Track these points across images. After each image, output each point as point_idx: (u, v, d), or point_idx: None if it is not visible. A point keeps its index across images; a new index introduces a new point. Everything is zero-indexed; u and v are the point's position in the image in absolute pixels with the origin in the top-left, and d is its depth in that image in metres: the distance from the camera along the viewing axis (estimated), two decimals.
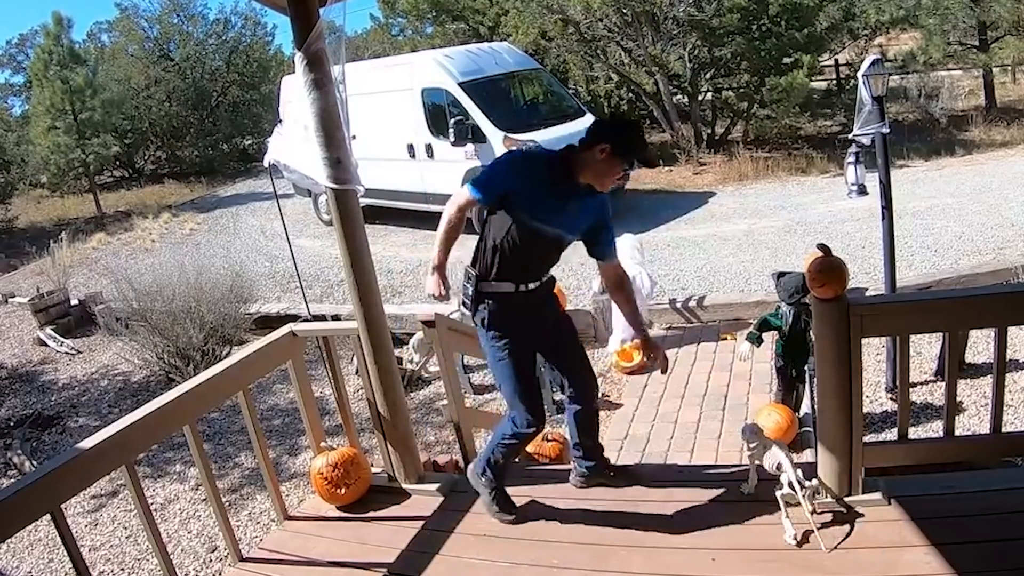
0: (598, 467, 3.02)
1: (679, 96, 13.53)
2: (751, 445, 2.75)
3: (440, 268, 2.71)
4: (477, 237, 2.77)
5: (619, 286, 2.87)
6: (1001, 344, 2.44)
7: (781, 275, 4.40)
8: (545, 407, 5.29)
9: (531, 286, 2.72)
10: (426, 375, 6.19)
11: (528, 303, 2.73)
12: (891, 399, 4.61)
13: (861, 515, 2.52)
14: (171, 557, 2.94)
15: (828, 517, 2.54)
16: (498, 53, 10.74)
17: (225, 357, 5.24)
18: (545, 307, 2.84)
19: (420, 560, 2.79)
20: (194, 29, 21.91)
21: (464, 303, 2.77)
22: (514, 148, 9.20)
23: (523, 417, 2.80)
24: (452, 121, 9.50)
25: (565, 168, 2.59)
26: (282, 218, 5.99)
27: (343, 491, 3.19)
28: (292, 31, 2.86)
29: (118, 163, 21.43)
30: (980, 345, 4.98)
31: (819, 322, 2.46)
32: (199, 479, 3.34)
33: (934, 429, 4.22)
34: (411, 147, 10.18)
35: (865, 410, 3.76)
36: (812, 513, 2.46)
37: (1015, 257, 6.15)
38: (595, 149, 2.52)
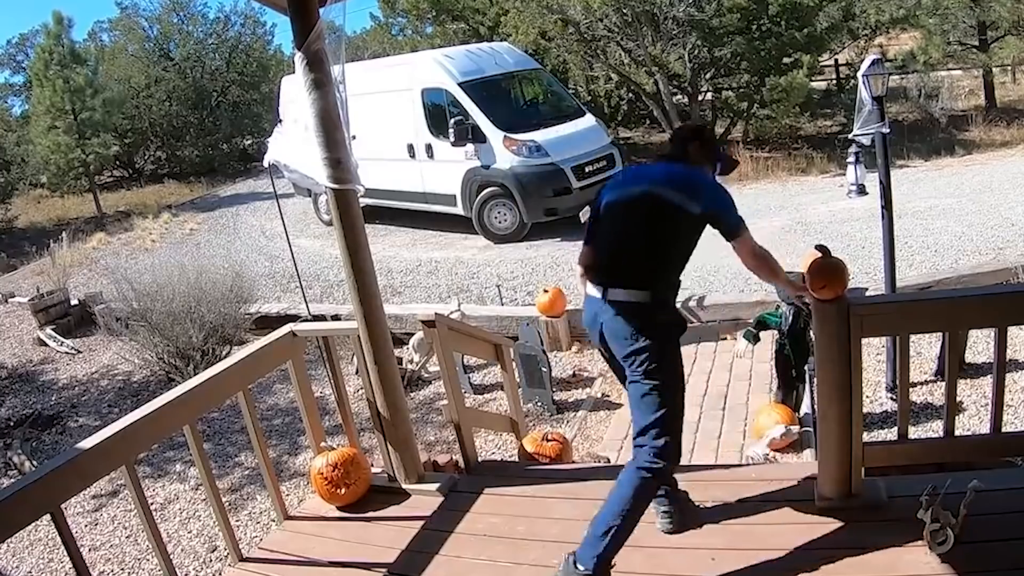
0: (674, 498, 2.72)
1: (679, 96, 13.52)
2: None
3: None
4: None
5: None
6: (1001, 344, 2.44)
7: None
8: (545, 407, 5.33)
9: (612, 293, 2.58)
10: (426, 375, 6.19)
11: None
12: (891, 399, 4.61)
13: (861, 515, 2.52)
14: (171, 557, 2.94)
15: (829, 518, 2.54)
16: (498, 53, 10.74)
17: (225, 357, 5.24)
18: None
19: (420, 560, 2.79)
20: (194, 28, 21.91)
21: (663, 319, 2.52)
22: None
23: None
24: (452, 121, 9.50)
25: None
26: (282, 218, 6.00)
27: (343, 491, 3.19)
28: (292, 31, 2.86)
29: (118, 163, 21.42)
30: (980, 345, 4.99)
31: (819, 322, 2.46)
32: (199, 479, 3.34)
33: (934, 429, 4.22)
34: (411, 147, 10.18)
35: (865, 410, 3.76)
36: None
37: (1015, 257, 6.15)
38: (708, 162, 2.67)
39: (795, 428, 4.23)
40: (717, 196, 2.49)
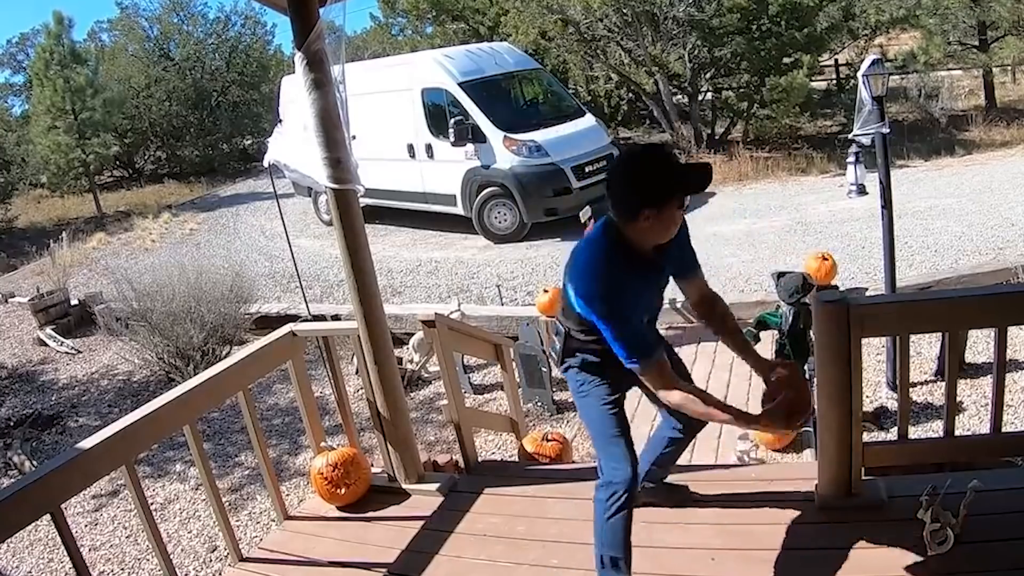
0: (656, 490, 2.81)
1: (679, 96, 13.52)
2: None
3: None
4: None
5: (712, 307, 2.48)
6: (1001, 344, 2.44)
7: (781, 275, 4.40)
8: (545, 407, 5.33)
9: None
10: (426, 375, 6.19)
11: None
12: (893, 399, 4.61)
13: (861, 515, 2.52)
14: (171, 557, 2.94)
15: (829, 518, 2.54)
16: (498, 53, 10.74)
17: (225, 357, 5.24)
18: None
19: (420, 560, 2.79)
20: (194, 28, 21.89)
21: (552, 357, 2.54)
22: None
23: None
24: (452, 121, 9.50)
25: (631, 251, 2.17)
26: (282, 218, 6.00)
27: (343, 491, 3.19)
28: (292, 31, 2.86)
29: (118, 163, 21.42)
30: (980, 345, 4.98)
31: (819, 322, 2.46)
32: (199, 479, 3.34)
33: (934, 429, 4.22)
34: (411, 147, 10.18)
35: (865, 410, 3.76)
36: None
37: (1015, 257, 6.15)
38: (640, 220, 2.07)
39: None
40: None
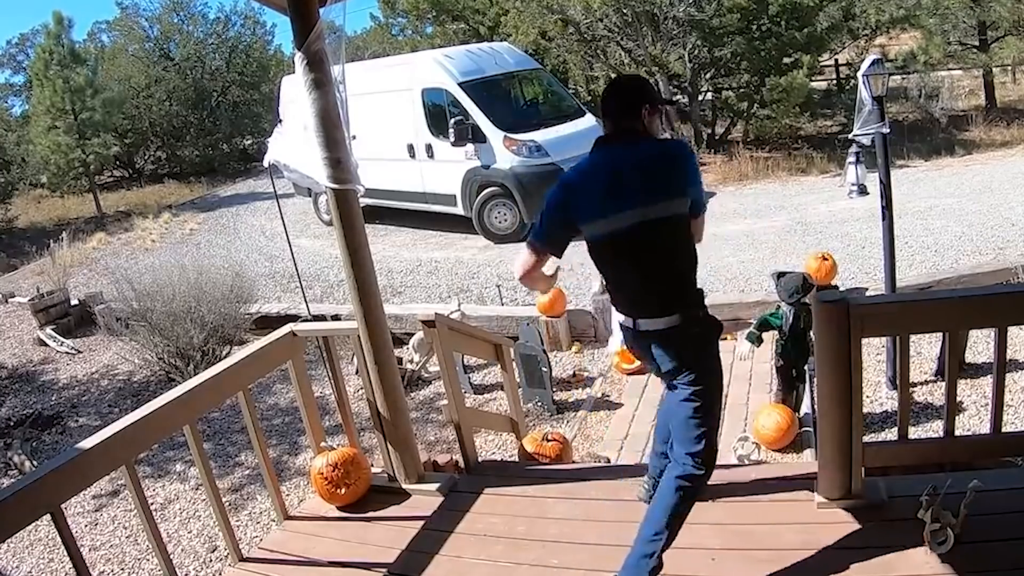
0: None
1: (679, 96, 13.53)
2: None
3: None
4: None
5: None
6: (1001, 344, 2.44)
7: (781, 275, 4.40)
8: (545, 407, 5.33)
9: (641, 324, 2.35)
10: (426, 375, 6.19)
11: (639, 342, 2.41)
12: (893, 399, 4.61)
13: (861, 515, 2.52)
14: (171, 557, 2.94)
15: (829, 518, 2.54)
16: (498, 53, 10.74)
17: (225, 357, 5.24)
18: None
19: (420, 560, 2.79)
20: (194, 28, 21.90)
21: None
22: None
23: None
24: (452, 121, 9.50)
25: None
26: (282, 218, 5.99)
27: (343, 491, 3.19)
28: (292, 31, 2.86)
29: (118, 163, 21.43)
30: (980, 345, 4.98)
31: (819, 322, 2.46)
32: (199, 479, 3.34)
33: (934, 429, 4.22)
34: (411, 147, 10.18)
35: (865, 410, 3.76)
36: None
37: (1015, 257, 6.15)
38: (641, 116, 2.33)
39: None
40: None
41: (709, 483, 2.59)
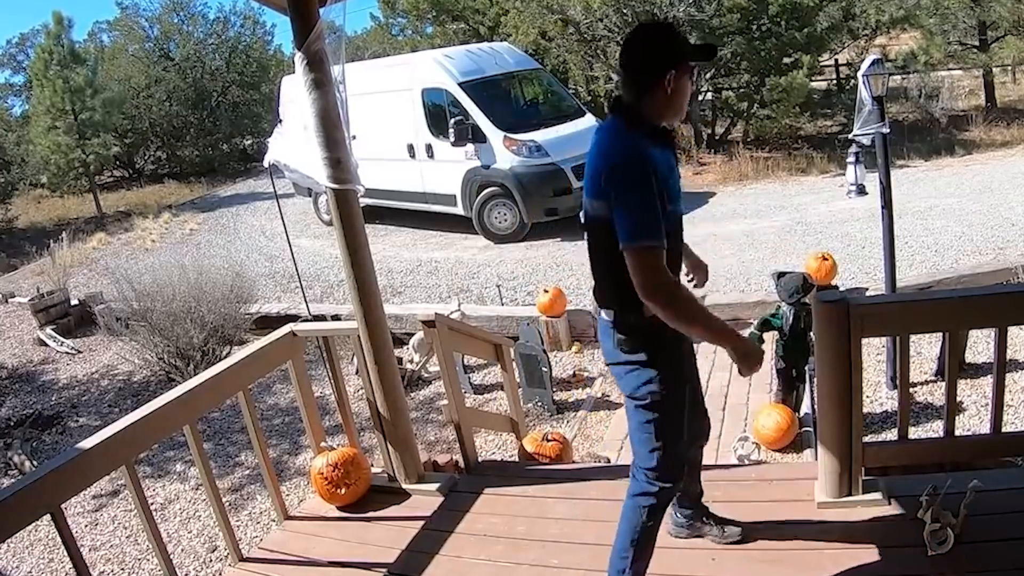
0: (697, 513, 2.57)
1: None
2: None
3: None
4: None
5: None
6: (1001, 344, 2.44)
7: (781, 275, 4.40)
8: (545, 407, 5.33)
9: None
10: (426, 375, 6.19)
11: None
12: (893, 399, 4.60)
13: (861, 515, 2.52)
14: (171, 557, 2.94)
15: (829, 518, 2.54)
16: (498, 53, 10.74)
17: (225, 357, 5.24)
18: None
19: (420, 560, 2.79)
20: (194, 29, 21.90)
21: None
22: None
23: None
24: (452, 121, 9.50)
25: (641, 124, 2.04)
26: (282, 218, 5.99)
27: (343, 491, 3.19)
28: (292, 31, 2.86)
29: (118, 163, 21.43)
30: (980, 345, 4.98)
31: (819, 322, 2.46)
32: (199, 479, 3.34)
33: (934, 429, 4.22)
34: (411, 147, 10.18)
35: (865, 410, 3.76)
36: None
37: (1015, 257, 6.15)
38: (662, 87, 1.98)
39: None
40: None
41: (708, 482, 2.59)
